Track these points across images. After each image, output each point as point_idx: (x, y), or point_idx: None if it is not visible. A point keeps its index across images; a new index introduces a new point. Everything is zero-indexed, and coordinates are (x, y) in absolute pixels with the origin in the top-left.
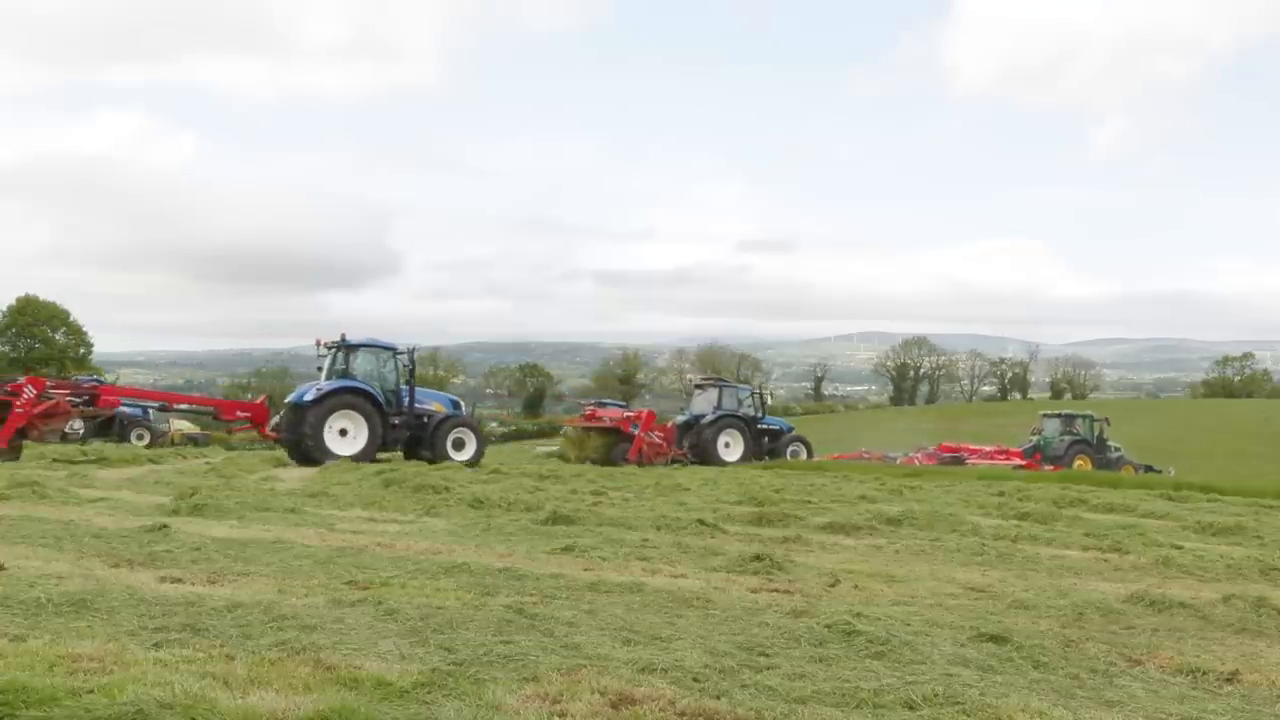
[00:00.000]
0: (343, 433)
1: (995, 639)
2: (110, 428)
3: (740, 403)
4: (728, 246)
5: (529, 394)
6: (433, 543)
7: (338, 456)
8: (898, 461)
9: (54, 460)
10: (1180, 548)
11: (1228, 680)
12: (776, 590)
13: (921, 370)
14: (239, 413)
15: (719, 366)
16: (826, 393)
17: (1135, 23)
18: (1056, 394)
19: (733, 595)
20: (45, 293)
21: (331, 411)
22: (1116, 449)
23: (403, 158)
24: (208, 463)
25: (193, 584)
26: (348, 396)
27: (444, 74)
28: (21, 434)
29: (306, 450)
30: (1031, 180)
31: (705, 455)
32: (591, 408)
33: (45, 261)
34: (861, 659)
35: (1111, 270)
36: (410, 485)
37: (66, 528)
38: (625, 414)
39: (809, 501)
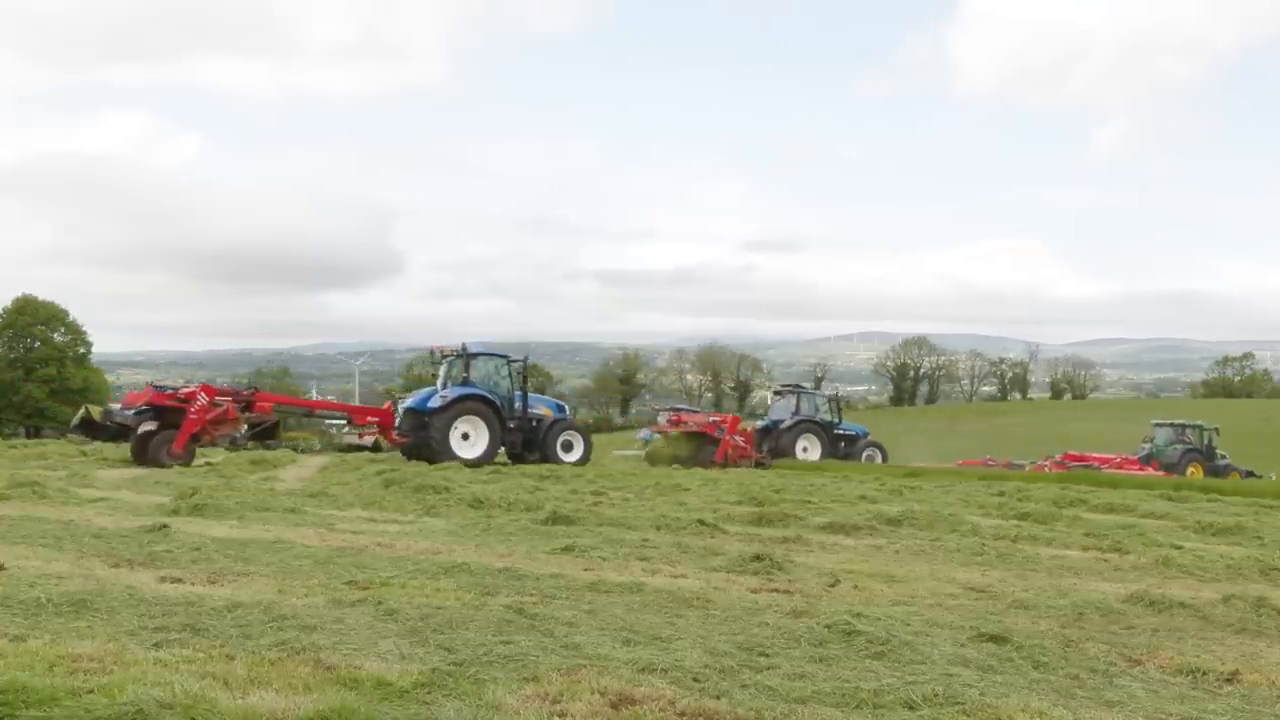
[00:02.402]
0: (465, 436)
1: (995, 639)
2: (272, 433)
3: (817, 408)
4: (730, 246)
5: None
6: (433, 543)
7: (461, 459)
8: (1026, 469)
9: (55, 459)
10: (1180, 548)
11: (1228, 680)
12: (776, 590)
13: (921, 370)
14: (370, 418)
15: (719, 366)
16: (826, 393)
17: (1140, 23)
18: (1056, 394)
19: (733, 595)
20: (46, 293)
21: (456, 417)
22: (1223, 456)
23: (406, 158)
24: (208, 463)
25: (193, 584)
26: (470, 402)
27: (448, 74)
28: (194, 439)
29: (432, 453)
30: (1034, 180)
31: (783, 458)
32: (676, 413)
33: (45, 261)
34: (861, 659)
35: (1113, 270)
36: (410, 485)
37: (66, 528)
38: (710, 418)
39: (809, 501)
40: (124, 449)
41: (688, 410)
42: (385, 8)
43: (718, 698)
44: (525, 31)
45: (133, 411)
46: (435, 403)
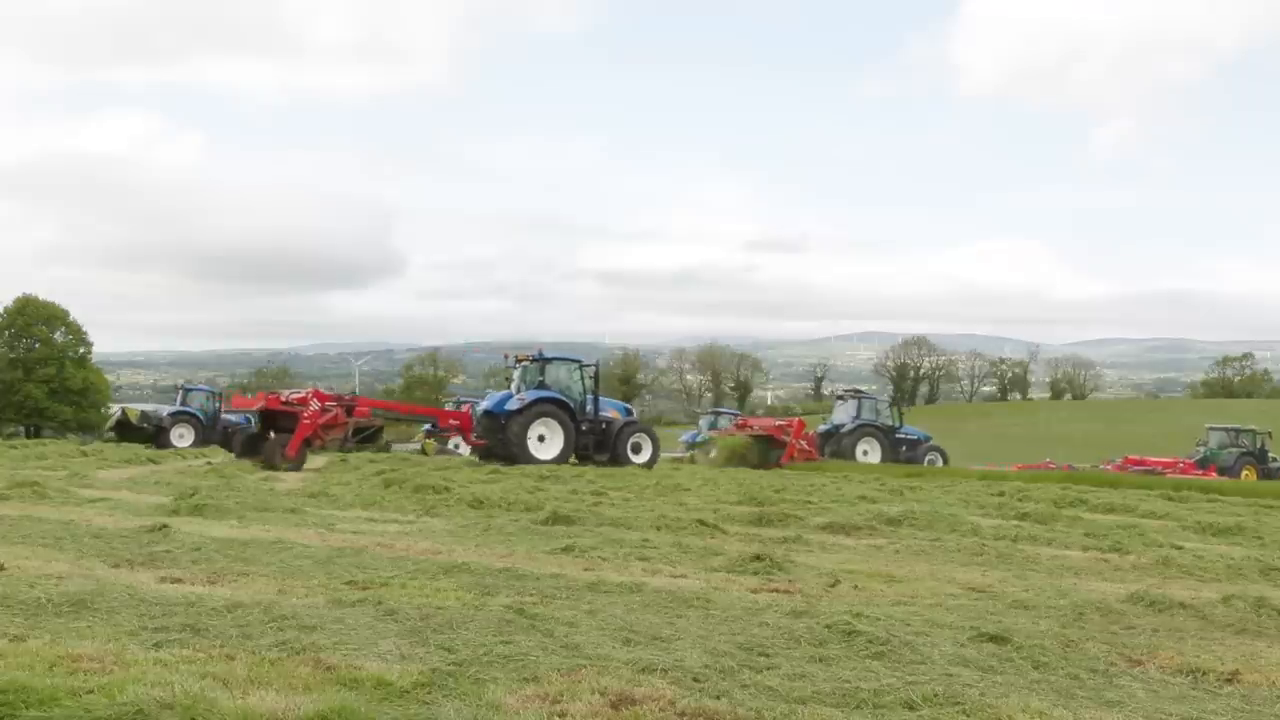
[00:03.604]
0: (540, 438)
1: (995, 639)
2: (376, 437)
3: (878, 413)
4: (732, 247)
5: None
6: (433, 543)
7: (538, 460)
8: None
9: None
10: (1180, 548)
11: (1228, 680)
12: (776, 590)
13: (921, 370)
14: (451, 420)
15: (719, 366)
16: (826, 392)
17: (1142, 23)
18: (1056, 394)
19: (733, 595)
20: (46, 293)
21: (533, 419)
22: (1275, 459)
23: (408, 158)
24: (208, 463)
25: (193, 584)
26: (546, 405)
27: (450, 75)
28: (307, 443)
29: (511, 455)
30: (1035, 180)
31: (844, 461)
32: (743, 418)
33: (48, 261)
34: (861, 659)
35: (1113, 270)
36: (410, 485)
37: (66, 528)
38: (776, 422)
39: (809, 501)
40: (125, 449)
41: (728, 412)
42: (389, 9)
43: (718, 698)
44: (527, 32)
45: (167, 412)
46: (513, 405)
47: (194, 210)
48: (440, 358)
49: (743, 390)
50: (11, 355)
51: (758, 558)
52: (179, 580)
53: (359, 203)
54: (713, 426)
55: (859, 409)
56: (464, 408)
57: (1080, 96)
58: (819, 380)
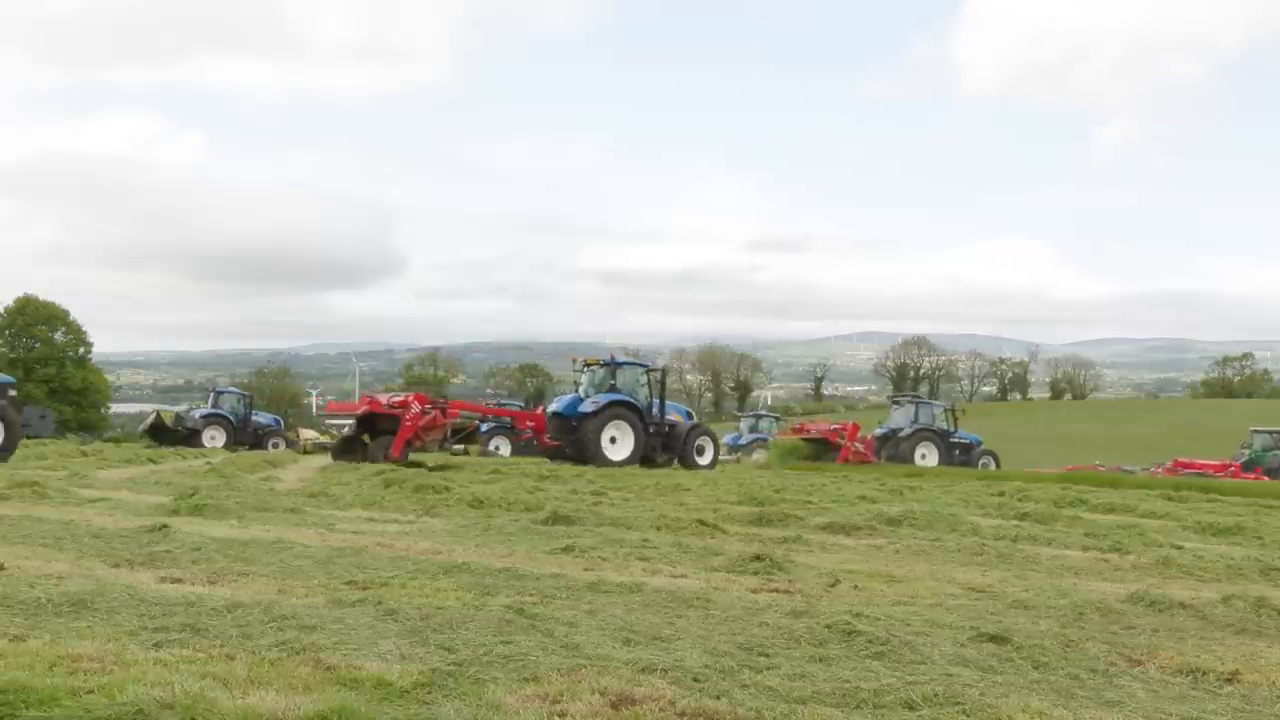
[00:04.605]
0: (612, 440)
1: (995, 639)
2: (472, 437)
3: (934, 417)
4: (734, 247)
5: (529, 394)
6: (433, 543)
7: (611, 461)
8: (1137, 474)
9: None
10: (1180, 548)
11: (1228, 680)
12: (776, 590)
13: (921, 370)
14: (528, 423)
15: (719, 366)
16: (826, 392)
17: (1145, 23)
18: (1056, 394)
19: (733, 595)
20: (47, 292)
21: (606, 422)
22: None
23: (409, 158)
24: (208, 463)
25: (193, 584)
26: (618, 408)
27: (451, 75)
28: (409, 444)
29: (583, 456)
30: (1036, 180)
31: (902, 464)
32: (800, 422)
33: (48, 261)
34: (861, 659)
35: (1114, 270)
36: (410, 485)
37: (66, 528)
38: (832, 426)
39: (809, 501)
40: (126, 449)
41: (769, 415)
42: (390, 9)
43: (718, 698)
44: (529, 32)
45: (199, 414)
46: (588, 408)
47: (194, 210)
48: (440, 358)
49: (742, 390)
50: (11, 355)
51: (758, 558)
52: (179, 580)
53: (359, 203)
54: (753, 429)
55: (916, 413)
56: (539, 409)
57: (1082, 96)
58: (819, 380)
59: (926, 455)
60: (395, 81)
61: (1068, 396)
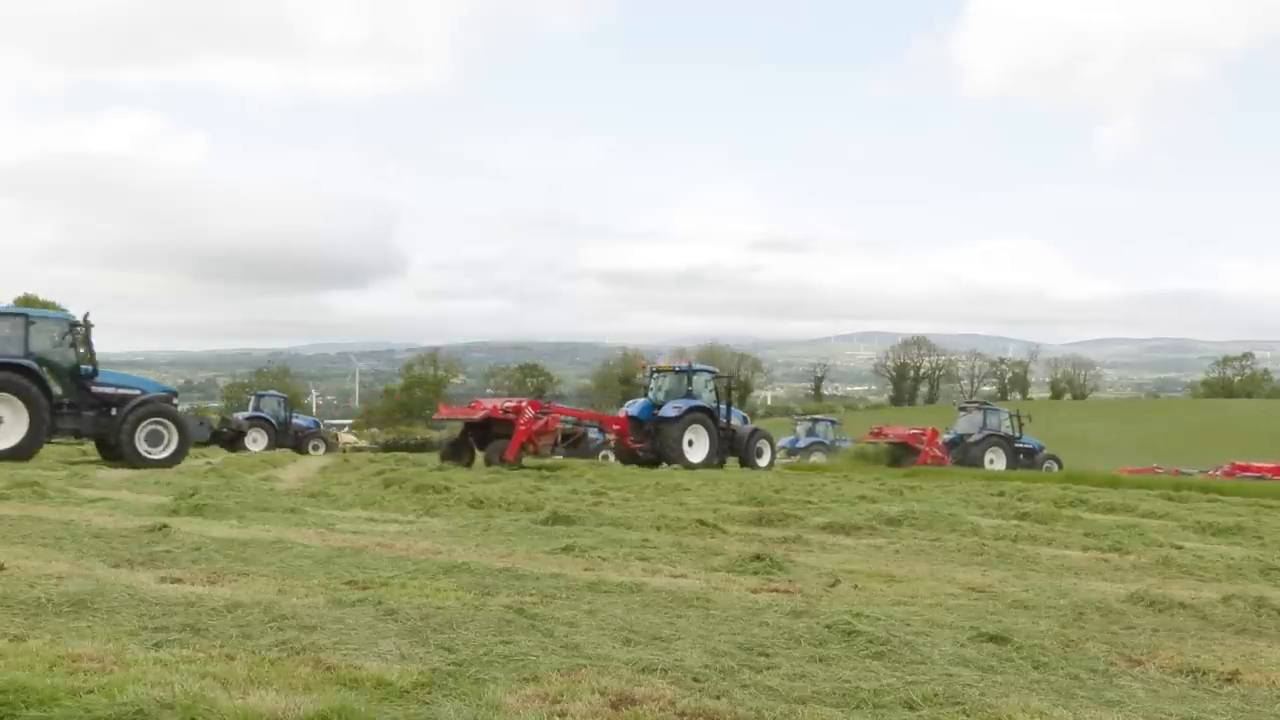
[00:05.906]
0: (690, 443)
1: (995, 639)
2: (581, 442)
3: (1001, 423)
4: (737, 247)
5: (528, 394)
6: (433, 543)
7: (691, 464)
8: (1195, 477)
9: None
10: (1180, 548)
11: (1228, 680)
12: (776, 590)
13: (921, 370)
14: (614, 426)
15: (719, 367)
16: (826, 392)
17: (1147, 23)
18: (1056, 394)
19: (733, 595)
20: (47, 292)
21: (687, 425)
22: None
23: (411, 158)
24: (208, 463)
25: (193, 584)
26: (697, 413)
27: (454, 75)
28: (523, 448)
29: (665, 458)
30: (1037, 180)
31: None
32: (879, 426)
33: (48, 261)
34: (861, 659)
35: (1114, 270)
36: (410, 485)
37: (66, 528)
38: (911, 430)
39: (809, 501)
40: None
41: (825, 419)
42: (393, 9)
43: (718, 698)
44: (532, 32)
45: (243, 417)
46: (669, 413)
47: (195, 210)
48: (440, 358)
49: (743, 390)
50: None
51: (758, 558)
52: (179, 580)
53: (361, 203)
54: (810, 432)
55: (984, 419)
56: (623, 414)
57: (1084, 96)
58: (819, 380)
59: (995, 460)
60: (398, 81)
61: (1068, 396)
